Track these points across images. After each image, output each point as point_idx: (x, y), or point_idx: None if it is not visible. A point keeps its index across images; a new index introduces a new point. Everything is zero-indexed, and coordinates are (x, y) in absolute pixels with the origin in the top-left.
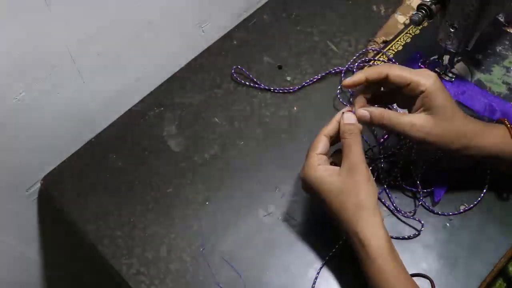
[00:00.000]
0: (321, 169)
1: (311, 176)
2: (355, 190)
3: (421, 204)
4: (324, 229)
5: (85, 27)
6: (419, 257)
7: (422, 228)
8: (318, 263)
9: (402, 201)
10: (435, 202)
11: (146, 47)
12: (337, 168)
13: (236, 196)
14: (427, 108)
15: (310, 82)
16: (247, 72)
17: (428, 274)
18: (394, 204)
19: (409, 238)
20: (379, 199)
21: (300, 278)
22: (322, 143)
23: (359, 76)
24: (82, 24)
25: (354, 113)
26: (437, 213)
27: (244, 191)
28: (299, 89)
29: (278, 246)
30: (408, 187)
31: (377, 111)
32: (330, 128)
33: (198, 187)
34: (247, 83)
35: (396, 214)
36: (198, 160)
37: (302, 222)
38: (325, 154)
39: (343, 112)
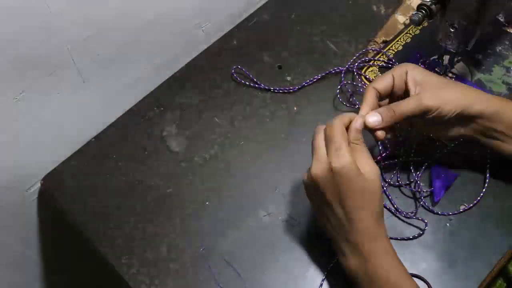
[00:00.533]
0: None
1: (352, 164)
2: (375, 196)
3: (421, 204)
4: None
5: (85, 27)
6: (419, 257)
7: (426, 227)
8: (317, 263)
9: (402, 201)
10: (435, 202)
11: (146, 47)
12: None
13: (236, 196)
14: (419, 84)
15: (310, 82)
16: (247, 72)
17: (428, 274)
18: (395, 205)
19: (413, 238)
20: None
21: (300, 278)
22: (361, 135)
23: (365, 110)
24: (82, 24)
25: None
26: (437, 213)
27: (244, 191)
28: (299, 89)
29: (278, 246)
30: (408, 187)
31: (384, 108)
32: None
33: (198, 187)
34: (247, 83)
35: (397, 215)
36: (198, 160)
37: (302, 222)
38: None
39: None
